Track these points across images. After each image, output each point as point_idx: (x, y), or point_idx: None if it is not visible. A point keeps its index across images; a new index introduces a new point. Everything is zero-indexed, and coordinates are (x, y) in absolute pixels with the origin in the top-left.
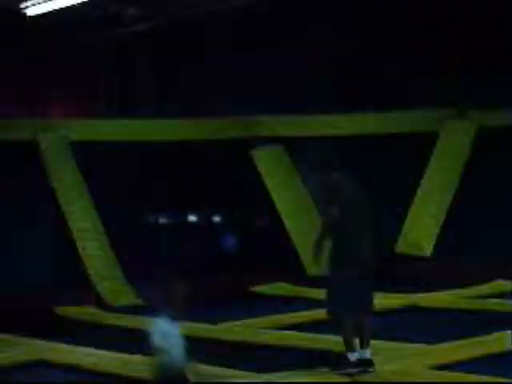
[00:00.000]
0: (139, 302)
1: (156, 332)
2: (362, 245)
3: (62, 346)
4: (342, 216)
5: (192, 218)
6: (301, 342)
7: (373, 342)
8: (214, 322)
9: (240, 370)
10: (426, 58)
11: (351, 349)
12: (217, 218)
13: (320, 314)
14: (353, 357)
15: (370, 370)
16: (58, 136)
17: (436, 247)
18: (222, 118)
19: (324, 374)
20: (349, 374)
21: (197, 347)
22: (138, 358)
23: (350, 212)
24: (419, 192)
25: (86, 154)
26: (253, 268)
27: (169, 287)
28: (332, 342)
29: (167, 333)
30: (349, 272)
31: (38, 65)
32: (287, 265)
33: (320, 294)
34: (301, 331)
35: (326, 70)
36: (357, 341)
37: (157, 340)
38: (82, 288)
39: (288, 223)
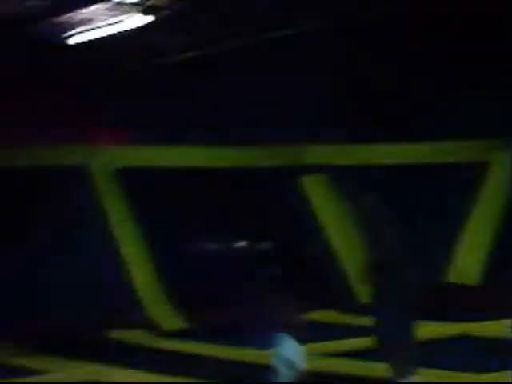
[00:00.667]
0: (188, 325)
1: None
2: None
3: (116, 369)
4: None
5: (241, 245)
6: (348, 369)
7: (423, 370)
8: (264, 348)
9: None
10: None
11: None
12: (266, 245)
13: (368, 341)
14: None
15: None
16: (108, 162)
17: (486, 276)
18: (271, 145)
19: None
20: None
21: (250, 373)
22: (187, 381)
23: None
24: (469, 221)
25: (135, 180)
26: (302, 295)
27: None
28: (381, 369)
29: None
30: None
31: (82, 91)
32: (337, 292)
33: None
34: (349, 359)
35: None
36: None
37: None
38: (131, 312)
39: (338, 250)
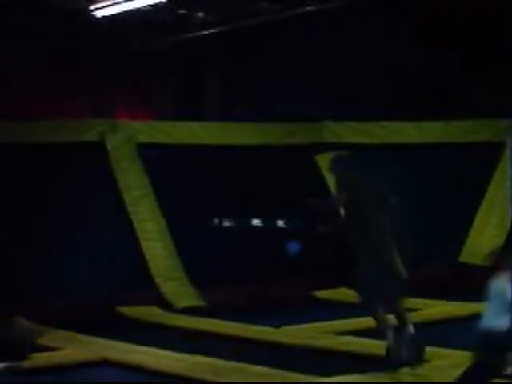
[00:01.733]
0: (202, 303)
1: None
2: None
3: (126, 345)
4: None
5: (256, 222)
6: (361, 347)
7: (438, 349)
8: (277, 326)
9: (300, 373)
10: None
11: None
12: (281, 223)
13: None
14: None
15: None
16: (125, 137)
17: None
18: (287, 123)
19: (383, 379)
20: None
21: (258, 350)
22: (199, 358)
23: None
24: (484, 202)
25: (153, 156)
26: (316, 273)
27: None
28: None
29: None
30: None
31: (105, 66)
32: (350, 270)
33: None
34: (362, 337)
35: (390, 74)
36: None
37: None
38: (145, 288)
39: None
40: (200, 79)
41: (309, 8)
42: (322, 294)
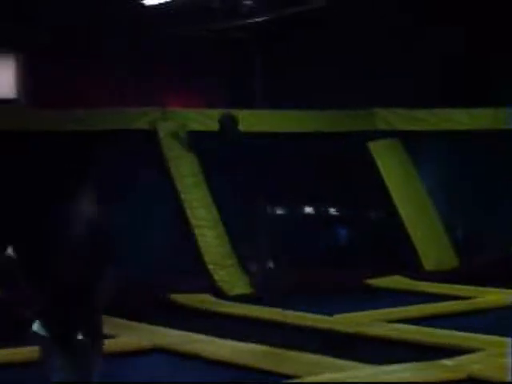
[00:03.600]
0: (254, 291)
1: None
2: None
3: (178, 333)
4: None
5: (308, 210)
6: (415, 335)
7: (491, 337)
8: (330, 314)
9: (353, 361)
10: None
11: None
12: (332, 210)
13: (435, 307)
14: None
15: None
16: (177, 125)
17: None
18: (338, 110)
19: (437, 368)
20: None
21: (312, 337)
22: (252, 346)
23: None
24: None
25: (204, 144)
26: (369, 261)
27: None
28: (446, 336)
29: None
30: None
31: (156, 54)
32: (403, 258)
33: (437, 288)
34: (415, 325)
35: (433, 63)
36: None
37: None
38: (198, 276)
39: (404, 216)
40: (249, 67)
41: None
42: (375, 281)
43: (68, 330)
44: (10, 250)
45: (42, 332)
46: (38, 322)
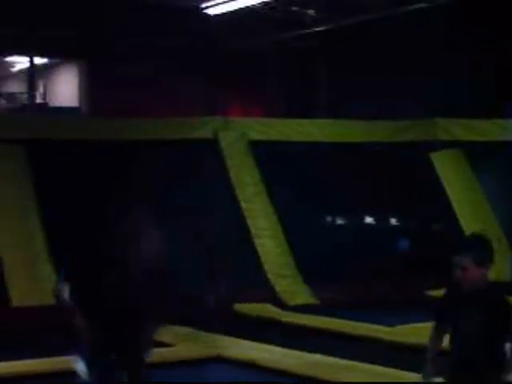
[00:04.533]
0: (315, 301)
1: None
2: None
3: (240, 342)
4: None
5: (369, 220)
6: None
7: None
8: (392, 325)
9: (416, 372)
10: None
11: None
12: (394, 221)
13: None
14: None
15: None
16: (238, 134)
17: None
18: (399, 120)
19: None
20: None
21: (373, 349)
22: (315, 356)
23: None
24: None
25: (265, 153)
26: (430, 272)
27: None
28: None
29: None
30: None
31: (217, 64)
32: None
33: None
34: None
35: (501, 70)
36: None
37: None
38: (259, 285)
39: (465, 227)
40: (310, 76)
41: (417, 5)
42: (438, 293)
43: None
44: (61, 279)
45: (85, 374)
46: (81, 361)
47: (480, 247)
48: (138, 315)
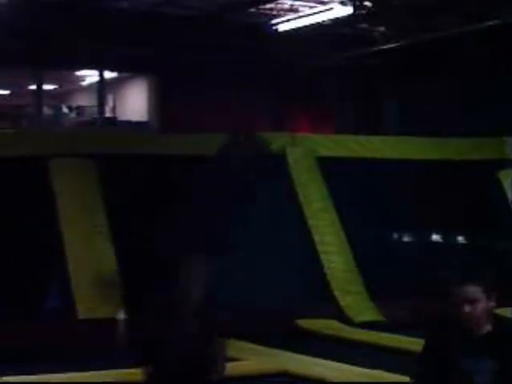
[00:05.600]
0: (381, 318)
1: None
2: None
3: (305, 358)
4: None
5: (436, 238)
6: None
7: None
8: None
9: None
10: None
11: None
12: (462, 239)
13: None
14: None
15: None
16: (306, 150)
17: None
18: (468, 138)
19: None
20: None
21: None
22: (379, 373)
23: None
24: None
25: (333, 170)
26: (496, 291)
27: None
28: None
29: None
30: None
31: (286, 80)
32: None
33: None
34: None
35: None
36: None
37: None
38: (324, 302)
39: None
40: (379, 93)
41: (488, 23)
42: (502, 311)
43: None
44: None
45: None
46: None
47: (490, 270)
48: (202, 362)
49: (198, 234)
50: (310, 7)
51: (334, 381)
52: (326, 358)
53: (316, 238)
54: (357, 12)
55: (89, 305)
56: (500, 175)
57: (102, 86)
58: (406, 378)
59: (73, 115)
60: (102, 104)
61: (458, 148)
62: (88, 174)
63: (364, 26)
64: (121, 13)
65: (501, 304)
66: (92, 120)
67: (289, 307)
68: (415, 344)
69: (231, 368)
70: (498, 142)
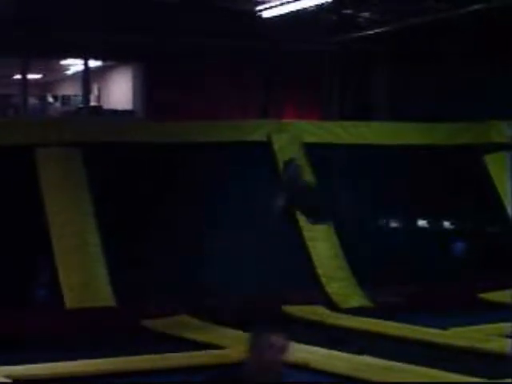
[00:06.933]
0: (368, 304)
1: None
2: None
3: (292, 344)
4: None
5: (422, 223)
6: None
7: None
8: (444, 328)
9: (468, 375)
10: None
11: None
12: (447, 224)
13: None
14: None
15: None
16: (292, 137)
17: None
18: (454, 123)
19: None
20: None
21: (425, 351)
22: (365, 359)
23: None
24: None
25: (319, 156)
26: (483, 275)
27: None
28: None
29: None
30: None
31: (272, 67)
32: None
33: None
34: None
35: None
36: None
37: None
38: (311, 288)
39: None
40: (366, 79)
41: (476, 6)
42: (490, 295)
43: None
44: None
45: None
46: None
47: None
48: None
49: None
50: None
51: (319, 366)
52: (312, 343)
53: (302, 224)
54: None
55: (76, 294)
56: (486, 159)
57: (87, 74)
58: (393, 363)
59: (58, 105)
60: (87, 93)
61: (443, 133)
62: (74, 163)
63: (348, 11)
64: (105, 0)
65: (492, 286)
66: (77, 109)
67: (275, 294)
68: (402, 330)
69: (216, 356)
70: (483, 126)
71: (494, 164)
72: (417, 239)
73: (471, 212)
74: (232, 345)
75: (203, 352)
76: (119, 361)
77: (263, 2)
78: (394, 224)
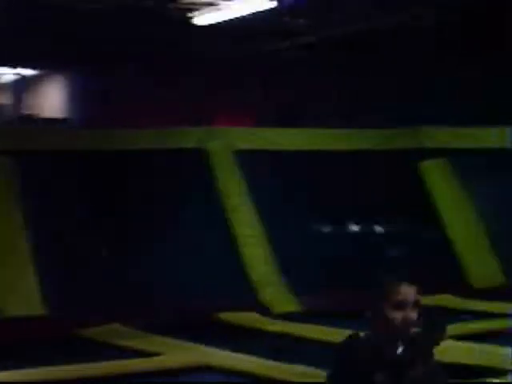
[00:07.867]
0: (300, 309)
1: None
2: None
3: (225, 351)
4: None
5: (354, 228)
6: (462, 354)
7: None
8: None
9: None
10: None
11: None
12: (379, 228)
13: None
14: None
15: None
16: (224, 144)
17: None
18: (388, 128)
19: None
20: None
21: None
22: (298, 366)
23: None
24: None
25: (251, 163)
26: (417, 279)
27: None
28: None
29: None
30: None
31: (206, 74)
32: (452, 277)
33: (488, 306)
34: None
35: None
36: None
37: None
38: (244, 294)
39: (453, 236)
40: (300, 86)
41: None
42: (425, 300)
43: None
44: None
45: None
46: None
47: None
48: None
49: None
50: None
51: (253, 373)
52: (246, 350)
53: (235, 230)
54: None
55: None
56: (420, 165)
57: (19, 83)
58: (323, 372)
59: None
60: (18, 102)
61: (375, 138)
62: (3, 172)
63: (285, 19)
64: (39, 9)
65: (426, 290)
66: (9, 118)
67: (209, 300)
68: (335, 334)
69: (152, 362)
70: (414, 131)
71: (427, 170)
72: (349, 245)
73: (404, 217)
74: (167, 351)
75: (139, 359)
76: (52, 370)
77: (199, 9)
78: (326, 230)
